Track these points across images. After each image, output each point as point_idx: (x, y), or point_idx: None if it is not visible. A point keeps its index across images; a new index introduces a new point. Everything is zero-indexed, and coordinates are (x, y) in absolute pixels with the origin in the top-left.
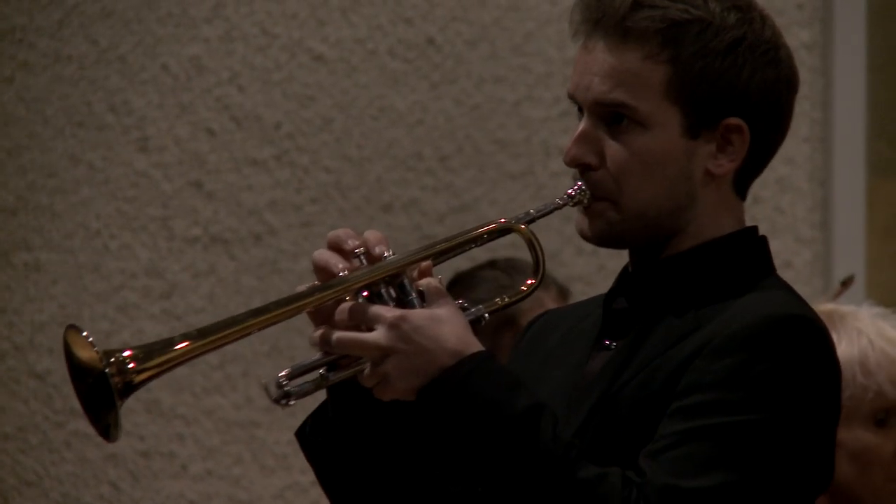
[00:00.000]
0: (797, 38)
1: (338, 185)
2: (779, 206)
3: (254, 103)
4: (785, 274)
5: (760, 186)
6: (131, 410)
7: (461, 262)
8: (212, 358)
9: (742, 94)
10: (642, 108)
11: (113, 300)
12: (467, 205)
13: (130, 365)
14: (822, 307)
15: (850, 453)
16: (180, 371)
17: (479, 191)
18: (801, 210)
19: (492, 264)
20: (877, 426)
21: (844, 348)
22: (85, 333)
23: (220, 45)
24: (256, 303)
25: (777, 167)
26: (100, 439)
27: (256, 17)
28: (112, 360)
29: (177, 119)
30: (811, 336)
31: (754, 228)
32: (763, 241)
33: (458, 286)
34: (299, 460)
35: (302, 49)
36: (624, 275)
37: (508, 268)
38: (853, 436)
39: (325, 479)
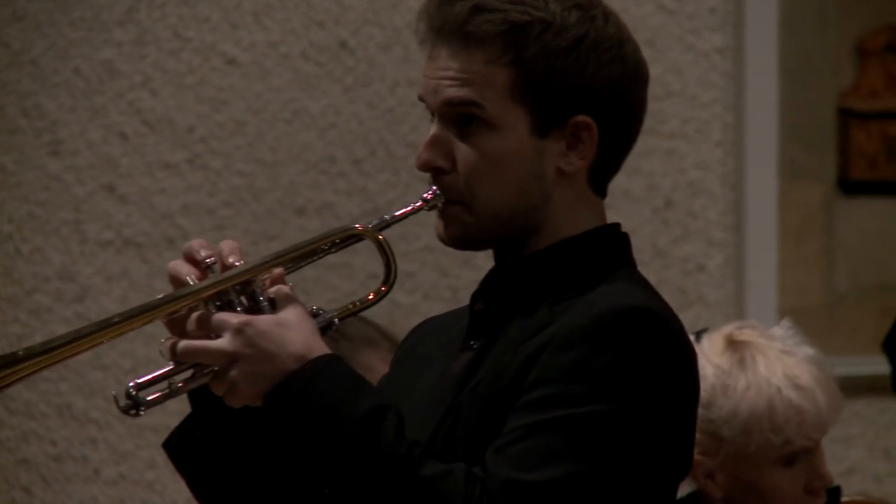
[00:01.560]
0: (709, 42)
1: (251, 188)
2: (691, 209)
3: (166, 107)
4: (698, 277)
5: (672, 190)
6: (43, 415)
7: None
8: (125, 362)
9: (587, 91)
10: (490, 109)
11: (25, 304)
12: (381, 208)
13: None
14: (738, 336)
15: (759, 492)
16: (93, 375)
17: (393, 194)
18: (714, 213)
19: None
20: (784, 466)
21: (753, 398)
22: None
23: (133, 48)
24: None
25: (689, 171)
26: (11, 443)
27: (169, 20)
28: None
29: (89, 123)
30: (654, 326)
31: (615, 225)
32: (624, 237)
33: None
34: None
35: (214, 53)
36: (487, 276)
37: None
38: (763, 477)
39: (196, 489)
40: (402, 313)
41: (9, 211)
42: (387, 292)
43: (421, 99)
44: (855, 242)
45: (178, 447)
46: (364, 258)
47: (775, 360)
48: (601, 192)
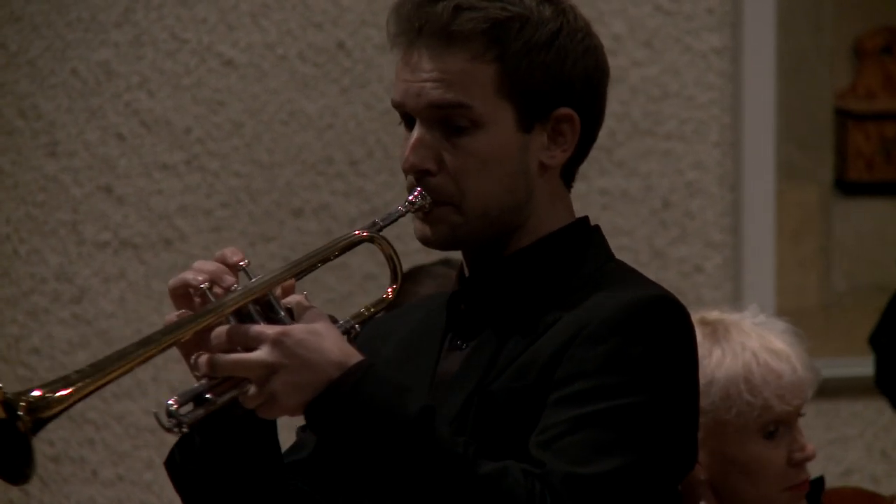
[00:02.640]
0: (707, 42)
1: (248, 189)
2: (689, 210)
3: (163, 108)
4: (696, 279)
5: (670, 191)
6: None
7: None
8: None
9: (568, 83)
10: (477, 107)
11: (22, 305)
12: (378, 209)
13: (37, 404)
14: (708, 316)
15: (742, 467)
16: None
17: (390, 195)
18: (711, 214)
19: (446, 262)
20: (766, 439)
21: (729, 364)
22: None
23: (130, 49)
24: (166, 308)
25: (687, 172)
26: None
27: (166, 21)
28: (22, 401)
29: (86, 124)
30: (678, 314)
31: (586, 218)
32: (597, 229)
33: (407, 281)
34: None
35: (212, 54)
36: (462, 277)
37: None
38: (744, 450)
39: None
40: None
41: (6, 212)
42: (396, 293)
43: (396, 104)
44: (852, 243)
45: (183, 465)
46: (361, 259)
47: (749, 330)
48: (569, 184)
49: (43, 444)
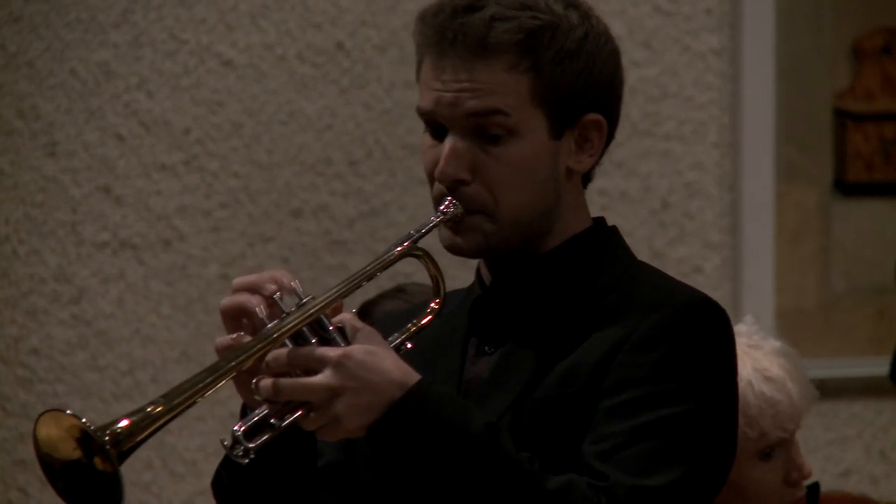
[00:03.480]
0: (706, 43)
1: (247, 190)
2: (688, 211)
3: (162, 108)
4: (695, 279)
5: (669, 191)
6: None
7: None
8: (120, 363)
9: (596, 88)
10: (514, 116)
11: (21, 305)
12: (377, 210)
13: (123, 436)
14: None
15: (739, 490)
16: (89, 377)
17: (389, 196)
18: (710, 215)
19: (399, 290)
20: (762, 461)
21: None
22: (69, 411)
23: (129, 50)
24: (165, 308)
25: (686, 172)
26: (8, 445)
27: (165, 22)
28: (107, 434)
29: (85, 124)
30: (722, 318)
31: (603, 219)
32: (615, 230)
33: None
34: (209, 466)
35: (211, 54)
36: (482, 281)
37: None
38: (740, 474)
39: None
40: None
41: (5, 213)
42: (441, 306)
43: (425, 111)
44: (851, 244)
45: (231, 485)
46: (360, 260)
47: (743, 355)
48: (586, 185)
49: None
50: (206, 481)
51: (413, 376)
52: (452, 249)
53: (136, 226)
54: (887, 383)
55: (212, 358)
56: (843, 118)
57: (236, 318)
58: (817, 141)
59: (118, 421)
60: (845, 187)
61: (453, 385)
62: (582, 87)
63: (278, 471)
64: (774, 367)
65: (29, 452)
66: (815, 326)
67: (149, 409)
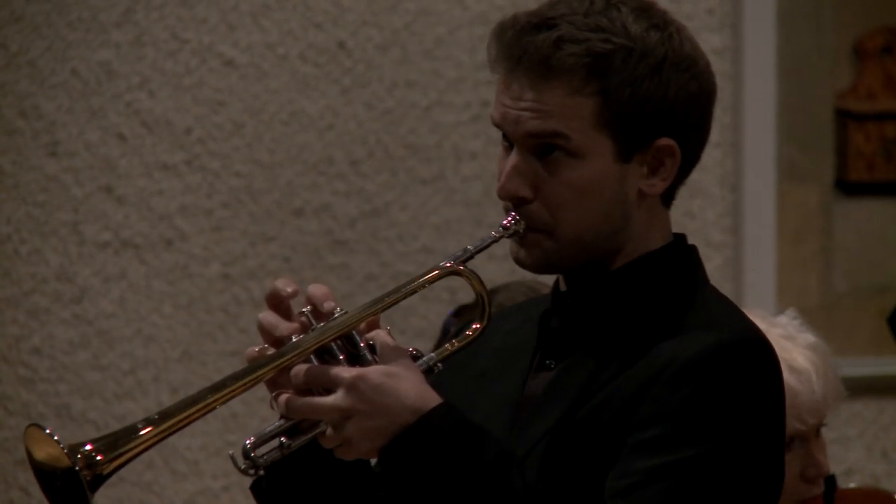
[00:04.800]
0: (707, 43)
1: (249, 189)
2: (689, 210)
3: (164, 108)
4: None
5: None
6: (42, 415)
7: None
8: (122, 363)
9: (670, 113)
10: (575, 139)
11: (23, 305)
12: (378, 209)
13: (98, 458)
14: None
15: None
16: (91, 376)
17: (391, 195)
18: (712, 215)
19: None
20: None
21: None
22: (48, 431)
23: (131, 49)
24: (167, 308)
25: None
26: (10, 444)
27: (167, 21)
28: (79, 455)
29: (87, 124)
30: (763, 359)
31: (682, 237)
32: (693, 249)
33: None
34: (210, 466)
35: (212, 54)
36: (558, 293)
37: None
38: None
39: None
40: (400, 314)
41: (7, 212)
42: (484, 327)
43: (496, 124)
44: (853, 244)
45: (269, 490)
46: (362, 259)
47: (774, 345)
48: (669, 204)
49: None
50: (208, 481)
51: (430, 401)
52: (518, 262)
53: (138, 225)
54: (889, 383)
55: (213, 357)
56: (845, 118)
57: (266, 334)
58: (819, 141)
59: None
60: (847, 187)
61: (514, 398)
62: (653, 112)
63: (319, 477)
64: (801, 359)
65: None
66: (817, 326)
67: (138, 426)
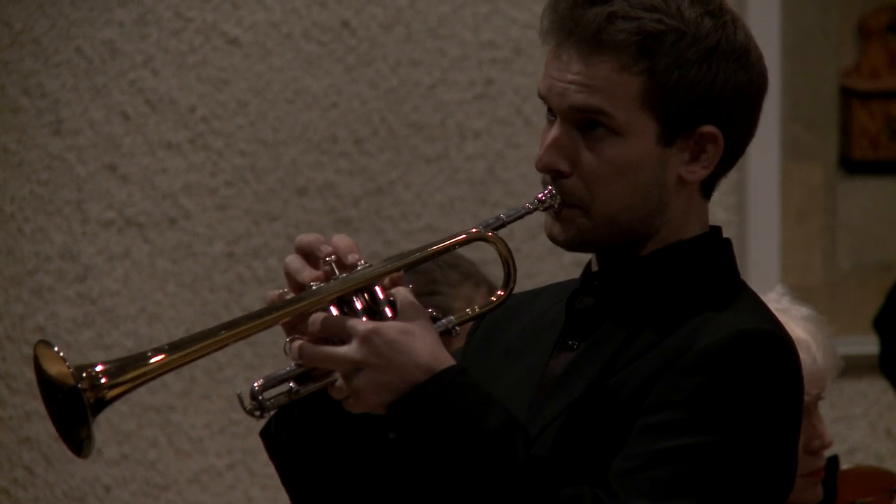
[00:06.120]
0: None
1: (253, 168)
2: None
3: (168, 87)
4: None
5: None
6: None
7: None
8: (126, 341)
9: (716, 101)
10: (618, 116)
11: (27, 283)
12: (382, 188)
13: (103, 380)
14: None
15: None
16: (95, 355)
17: (395, 174)
18: (716, 193)
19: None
20: None
21: None
22: (56, 348)
23: (135, 28)
24: (171, 286)
25: None
26: (14, 423)
27: (171, 0)
28: (84, 374)
29: (91, 102)
30: (779, 352)
31: (718, 230)
32: (727, 243)
33: None
34: (214, 444)
35: (216, 32)
36: (588, 274)
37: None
38: None
39: (288, 479)
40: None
41: (11, 190)
42: (508, 295)
43: (541, 96)
44: (857, 222)
45: (277, 435)
46: (366, 238)
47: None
48: (709, 196)
49: (47, 423)
50: (212, 459)
51: (442, 362)
52: (551, 238)
53: (142, 204)
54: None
55: None
56: (849, 96)
57: (290, 279)
58: (823, 119)
59: (96, 364)
60: (851, 165)
61: (536, 377)
62: (699, 98)
63: (329, 428)
64: (798, 330)
65: (35, 431)
66: (821, 304)
67: (148, 354)
